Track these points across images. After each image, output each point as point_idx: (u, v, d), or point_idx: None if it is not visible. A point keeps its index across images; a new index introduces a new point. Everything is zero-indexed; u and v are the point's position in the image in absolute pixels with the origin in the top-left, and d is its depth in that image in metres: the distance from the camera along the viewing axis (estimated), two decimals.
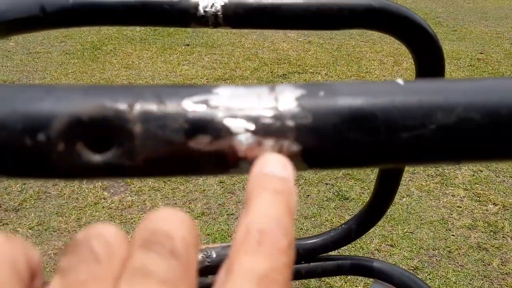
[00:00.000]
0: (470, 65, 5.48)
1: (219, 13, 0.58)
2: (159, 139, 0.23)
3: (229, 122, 0.23)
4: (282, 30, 6.95)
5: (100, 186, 2.92)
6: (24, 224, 2.54)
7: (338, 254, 1.09)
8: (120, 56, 5.53)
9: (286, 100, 0.24)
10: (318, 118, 0.24)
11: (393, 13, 0.63)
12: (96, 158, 0.22)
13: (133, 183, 2.97)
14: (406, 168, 3.12)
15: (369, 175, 3.10)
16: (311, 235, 1.00)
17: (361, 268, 0.94)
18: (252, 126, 0.23)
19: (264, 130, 0.24)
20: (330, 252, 0.95)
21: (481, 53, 5.96)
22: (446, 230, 2.58)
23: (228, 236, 2.48)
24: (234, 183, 2.99)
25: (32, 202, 2.74)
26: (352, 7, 0.60)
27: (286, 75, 5.03)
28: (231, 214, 2.67)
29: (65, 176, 0.23)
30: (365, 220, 0.92)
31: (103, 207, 2.71)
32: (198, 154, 0.23)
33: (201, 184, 2.98)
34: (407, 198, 2.86)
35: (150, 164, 0.23)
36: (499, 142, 0.24)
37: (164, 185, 2.95)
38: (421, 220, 2.66)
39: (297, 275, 0.89)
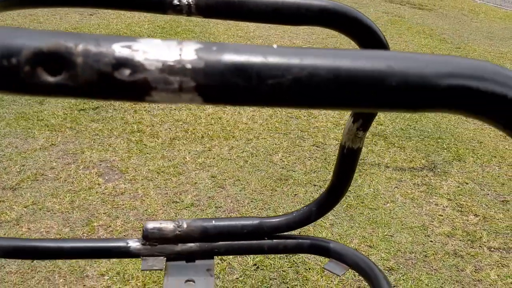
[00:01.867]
0: None
1: (192, 3, 0.69)
2: (94, 69, 0.33)
3: (145, 61, 0.33)
4: (288, 37, 7.06)
5: (96, 173, 3.03)
6: (20, 203, 2.64)
7: (299, 234, 1.18)
8: None
9: (188, 51, 0.34)
10: (209, 65, 0.34)
11: (345, 13, 0.73)
12: (51, 79, 0.33)
13: (127, 171, 3.07)
14: (394, 176, 3.21)
15: (357, 180, 3.20)
16: (275, 215, 1.09)
17: (319, 248, 1.03)
18: (161, 66, 0.33)
19: (170, 69, 0.34)
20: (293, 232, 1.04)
21: None
22: (425, 236, 2.67)
23: None
24: (225, 179, 3.09)
25: (29, 183, 2.85)
26: (308, 6, 0.71)
27: None
28: (219, 207, 2.77)
29: (28, 92, 0.33)
30: (325, 204, 1.01)
31: (97, 192, 2.82)
32: (121, 83, 0.34)
33: (193, 177, 3.08)
34: (391, 204, 2.94)
35: (87, 87, 0.33)
36: (339, 93, 0.34)
37: (157, 176, 3.06)
38: (402, 225, 2.74)
39: (260, 250, 0.98)
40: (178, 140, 3.57)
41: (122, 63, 0.34)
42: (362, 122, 0.82)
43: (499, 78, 0.31)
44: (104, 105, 4.08)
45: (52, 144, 3.35)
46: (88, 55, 0.33)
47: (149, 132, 3.66)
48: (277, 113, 4.20)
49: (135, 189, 2.88)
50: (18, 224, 2.46)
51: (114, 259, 2.26)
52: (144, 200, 2.77)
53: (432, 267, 2.41)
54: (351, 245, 2.51)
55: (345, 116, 4.27)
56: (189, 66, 0.35)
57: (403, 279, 2.30)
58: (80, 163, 3.13)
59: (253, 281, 2.21)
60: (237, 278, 2.23)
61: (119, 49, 0.34)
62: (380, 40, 0.78)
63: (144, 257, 0.94)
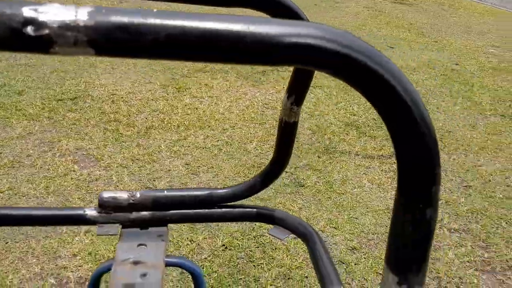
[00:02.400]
0: (443, 74, 5.71)
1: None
2: (8, 26, 0.42)
3: (47, 20, 0.42)
4: None
5: (71, 160, 3.10)
6: None
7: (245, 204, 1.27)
8: None
9: (82, 12, 0.43)
10: (98, 23, 0.43)
11: None
12: None
13: (103, 159, 3.15)
14: (363, 163, 3.33)
15: (327, 167, 3.31)
16: (224, 186, 1.17)
17: (264, 216, 1.13)
18: (60, 24, 0.43)
19: (67, 27, 0.43)
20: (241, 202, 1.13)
21: (456, 64, 6.20)
22: (389, 218, 2.78)
23: None
24: (199, 166, 3.18)
25: (6, 170, 2.91)
26: None
27: (265, 71, 5.23)
28: None
29: None
30: (268, 175, 1.10)
31: (72, 178, 2.89)
32: (28, 37, 0.43)
33: (167, 164, 3.16)
34: (358, 189, 3.06)
35: (4, 40, 0.42)
36: (205, 49, 0.43)
37: (132, 163, 3.13)
38: (367, 208, 2.86)
39: (210, 219, 1.07)
40: (154, 129, 3.65)
41: (29, 21, 0.42)
42: (295, 97, 0.91)
43: (330, 36, 0.37)
44: (82, 96, 4.14)
45: (30, 132, 3.41)
46: (3, 15, 0.42)
47: (126, 121, 3.73)
48: (253, 104, 4.29)
49: (110, 176, 2.96)
50: None
51: (72, 227, 2.34)
52: (118, 186, 2.85)
53: None
54: (317, 227, 2.62)
55: (319, 108, 4.38)
56: (82, 24, 0.43)
57: (364, 258, 2.42)
58: (56, 151, 3.20)
59: (221, 260, 2.31)
60: (206, 258, 2.33)
61: (27, 11, 0.43)
62: (298, 15, 0.86)
63: (99, 224, 1.03)
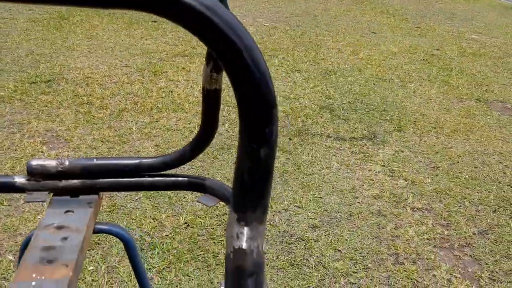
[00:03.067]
0: (424, 59, 5.73)
1: None
2: None
3: None
4: (251, 16, 7.11)
5: (40, 141, 3.10)
6: None
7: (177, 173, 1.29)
8: (86, 27, 5.67)
9: None
10: None
11: None
12: None
13: (72, 140, 3.15)
14: (333, 145, 3.35)
15: (297, 148, 3.33)
16: (154, 155, 1.19)
17: (195, 185, 1.14)
18: None
19: None
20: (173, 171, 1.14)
21: (437, 50, 6.22)
22: (353, 198, 2.82)
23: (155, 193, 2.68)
24: (169, 147, 3.19)
25: None
26: None
27: None
28: None
29: None
30: (197, 145, 1.11)
31: None
32: None
33: (137, 146, 3.17)
34: (326, 170, 3.09)
35: None
36: None
37: (102, 144, 3.14)
38: (333, 188, 2.89)
39: (141, 187, 1.08)
40: (127, 111, 3.65)
41: None
42: (213, 64, 0.92)
43: None
44: (56, 79, 4.12)
45: (0, 115, 3.40)
46: None
47: (99, 104, 3.72)
48: (229, 87, 4.29)
49: (77, 157, 2.96)
50: None
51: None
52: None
53: (355, 224, 2.57)
54: (280, 206, 2.65)
55: (295, 91, 4.39)
56: None
57: (325, 235, 2.45)
58: (26, 132, 3.19)
59: (181, 237, 2.33)
60: (167, 235, 2.35)
61: None
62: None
63: (28, 192, 1.04)
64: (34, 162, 1.02)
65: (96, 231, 1.13)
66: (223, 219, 2.49)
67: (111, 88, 4.04)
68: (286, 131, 3.58)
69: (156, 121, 3.53)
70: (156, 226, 2.40)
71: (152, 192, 2.64)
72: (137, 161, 1.09)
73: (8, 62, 4.39)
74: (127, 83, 4.19)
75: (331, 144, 3.44)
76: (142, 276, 1.27)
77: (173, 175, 1.14)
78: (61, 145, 3.09)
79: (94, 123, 3.41)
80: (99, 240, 2.26)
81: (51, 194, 1.06)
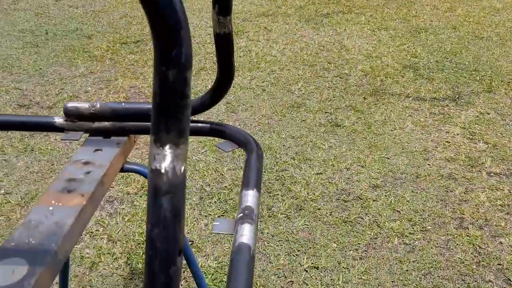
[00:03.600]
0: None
1: None
2: None
3: None
4: None
5: (124, 97, 3.34)
6: None
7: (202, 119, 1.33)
8: None
9: None
10: None
11: None
12: None
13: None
14: (411, 105, 3.19)
15: (370, 108, 3.22)
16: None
17: (217, 131, 1.19)
18: None
19: None
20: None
21: None
22: (424, 159, 2.68)
23: None
24: (239, 105, 3.26)
25: (63, 104, 3.21)
26: None
27: (329, 14, 5.08)
28: None
29: None
30: (217, 91, 1.15)
31: None
32: None
33: None
34: (399, 130, 2.96)
35: None
36: None
37: None
38: (403, 149, 2.77)
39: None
40: (204, 70, 3.77)
41: None
42: (219, 8, 0.93)
43: None
44: (144, 40, 4.36)
45: (91, 72, 3.70)
46: None
47: None
48: (309, 46, 4.23)
49: None
50: (46, 135, 2.84)
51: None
52: None
53: (420, 186, 2.45)
54: (343, 165, 2.61)
55: (379, 50, 4.20)
56: None
57: (385, 196, 2.38)
58: (112, 88, 3.45)
59: (239, 189, 2.41)
60: (226, 186, 2.44)
61: None
62: None
63: (66, 131, 1.16)
64: (70, 105, 1.12)
65: (124, 170, 1.22)
66: (282, 175, 2.52)
67: (194, 47, 4.19)
68: (362, 90, 3.46)
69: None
70: (216, 178, 2.50)
71: (215, 148, 2.74)
72: None
73: (104, 24, 4.72)
74: (209, 43, 4.30)
75: (409, 104, 3.27)
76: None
77: (195, 121, 1.18)
78: (142, 100, 3.30)
79: None
80: None
81: (87, 134, 1.16)
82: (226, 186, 2.43)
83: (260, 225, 2.16)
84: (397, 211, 2.28)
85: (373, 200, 2.34)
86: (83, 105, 1.11)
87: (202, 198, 2.34)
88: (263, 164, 0.96)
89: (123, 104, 1.12)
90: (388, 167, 2.60)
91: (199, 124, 1.17)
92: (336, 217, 2.23)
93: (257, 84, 3.54)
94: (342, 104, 3.27)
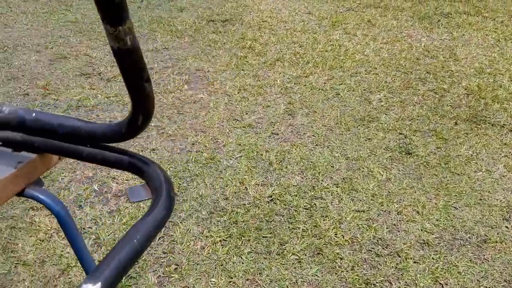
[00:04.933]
0: None
1: None
2: None
3: None
4: None
5: (185, 80, 3.14)
6: (105, 93, 2.93)
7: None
8: None
9: None
10: None
11: None
12: None
13: (213, 84, 3.10)
14: (509, 142, 2.56)
15: (458, 138, 2.62)
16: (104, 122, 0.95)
17: (135, 168, 0.90)
18: None
19: None
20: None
21: None
22: (503, 219, 2.08)
23: None
24: (302, 107, 2.87)
25: (120, 78, 3.10)
26: None
27: (451, 14, 4.35)
28: (275, 134, 2.61)
29: None
30: (129, 126, 0.85)
31: (173, 96, 2.93)
32: None
33: (269, 100, 2.94)
34: (484, 174, 2.35)
35: None
36: None
37: (237, 93, 3.01)
38: (480, 200, 2.18)
39: (78, 156, 0.88)
40: (280, 62, 3.41)
41: None
42: (104, 13, 0.64)
43: None
44: (233, 19, 4.11)
45: (165, 48, 3.56)
46: None
47: (259, 50, 3.57)
48: (411, 49, 3.64)
49: (208, 101, 2.90)
50: (91, 110, 2.74)
51: None
52: (209, 112, 2.78)
53: (484, 256, 1.89)
54: (394, 206, 2.13)
55: (495, 65, 3.47)
56: None
57: (432, 258, 1.86)
58: (177, 69, 3.27)
59: (258, 211, 2.07)
60: (244, 204, 2.12)
61: None
62: None
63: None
64: None
65: (24, 195, 0.97)
66: (314, 204, 2.12)
67: (279, 34, 3.84)
68: (456, 113, 2.85)
69: (305, 76, 3.21)
70: (238, 192, 2.18)
71: (253, 154, 2.42)
72: (78, 124, 0.88)
73: (191, 2, 4.56)
74: (299, 31, 3.92)
75: (510, 141, 2.61)
76: (81, 251, 1.08)
77: (116, 150, 0.90)
78: (201, 87, 3.07)
79: (242, 69, 3.29)
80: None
81: None
82: (244, 204, 2.11)
83: (262, 262, 1.82)
84: (440, 283, 1.77)
85: (414, 262, 1.85)
86: None
87: (212, 213, 2.05)
88: (164, 224, 0.68)
89: (34, 114, 0.87)
90: (451, 221, 2.06)
91: (118, 155, 0.88)
92: (358, 275, 1.79)
93: (332, 86, 3.10)
94: (425, 126, 2.71)
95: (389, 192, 2.21)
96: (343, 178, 2.28)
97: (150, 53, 3.46)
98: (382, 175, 2.31)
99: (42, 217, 1.99)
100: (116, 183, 2.21)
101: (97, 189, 2.17)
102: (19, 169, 0.90)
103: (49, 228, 1.94)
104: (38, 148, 0.86)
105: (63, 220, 1.01)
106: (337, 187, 2.23)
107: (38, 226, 1.95)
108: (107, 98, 2.87)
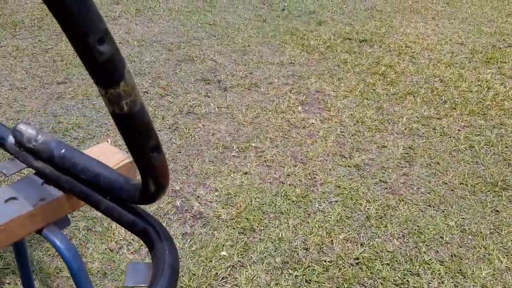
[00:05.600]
0: None
1: None
2: None
3: None
4: None
5: (301, 100, 2.94)
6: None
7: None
8: None
9: None
10: None
11: None
12: None
13: (330, 110, 2.86)
14: None
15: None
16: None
17: (147, 239, 0.77)
18: None
19: None
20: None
21: None
22: None
23: None
24: (421, 156, 2.48)
25: (243, 90, 3.02)
26: None
27: None
28: None
29: None
30: (142, 194, 0.74)
31: (283, 117, 2.75)
32: None
33: (375, 141, 2.60)
34: None
35: None
36: None
37: (351, 125, 2.72)
38: None
39: (95, 205, 0.79)
40: (413, 96, 3.03)
41: None
42: (93, 73, 0.53)
43: None
44: (373, 40, 3.80)
45: (291, 62, 3.40)
46: None
47: (392, 78, 3.23)
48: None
49: (318, 128, 2.67)
50: (199, 119, 2.69)
51: None
52: (315, 141, 2.55)
53: None
54: None
55: None
56: None
57: None
58: (296, 87, 3.09)
59: None
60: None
61: None
62: None
63: (11, 156, 0.91)
64: (20, 126, 0.84)
65: (42, 234, 0.90)
66: (408, 280, 1.78)
67: (420, 64, 3.44)
68: None
69: (438, 118, 2.80)
70: (321, 244, 1.92)
71: (351, 201, 2.14)
72: (102, 172, 0.79)
73: (343, 12, 4.31)
74: (444, 63, 3.47)
75: None
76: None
77: (135, 211, 0.80)
78: (315, 111, 2.85)
79: (366, 98, 2.98)
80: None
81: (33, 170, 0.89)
82: (324, 261, 1.85)
83: None
84: None
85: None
86: (30, 132, 0.81)
87: (286, 264, 1.83)
88: None
89: (63, 150, 0.79)
90: None
91: (134, 216, 0.78)
92: None
93: (467, 136, 2.65)
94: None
95: (505, 286, 1.77)
96: (452, 255, 1.89)
97: (274, 66, 3.33)
98: (502, 262, 1.87)
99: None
100: (199, 203, 2.11)
101: (179, 205, 2.09)
102: (37, 208, 0.79)
103: (121, 238, 1.91)
104: (63, 187, 0.79)
105: (74, 273, 0.89)
106: (441, 265, 1.85)
107: (113, 234, 1.92)
108: (218, 108, 2.81)
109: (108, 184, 0.74)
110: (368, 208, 2.10)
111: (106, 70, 0.44)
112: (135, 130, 0.52)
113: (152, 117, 2.66)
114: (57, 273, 1.76)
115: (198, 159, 2.37)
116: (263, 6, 4.43)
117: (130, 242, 1.89)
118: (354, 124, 2.71)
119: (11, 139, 0.87)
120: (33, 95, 2.82)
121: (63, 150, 0.78)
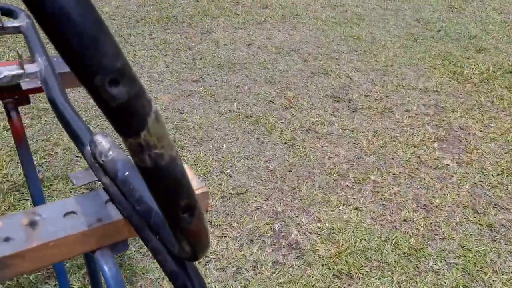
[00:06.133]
0: None
1: None
2: None
3: None
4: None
5: (439, 138, 2.60)
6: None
7: None
8: None
9: None
10: None
11: None
12: None
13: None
14: None
15: None
16: None
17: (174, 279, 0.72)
18: None
19: None
20: None
21: None
22: None
23: None
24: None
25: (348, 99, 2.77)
26: None
27: None
28: None
29: None
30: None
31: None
32: None
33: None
34: None
35: None
36: None
37: (425, 175, 2.31)
38: None
39: (146, 242, 0.74)
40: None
41: None
42: (112, 120, 0.48)
43: None
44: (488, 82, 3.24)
45: (436, 91, 3.04)
46: None
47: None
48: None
49: (453, 172, 2.31)
50: (319, 138, 2.52)
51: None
52: (446, 187, 2.21)
53: None
54: None
55: None
56: None
57: None
58: (436, 119, 2.74)
59: None
60: None
61: None
62: None
63: (86, 167, 0.92)
64: (96, 137, 0.82)
65: (95, 254, 0.87)
66: None
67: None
68: None
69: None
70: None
71: (474, 268, 1.78)
72: (153, 209, 0.75)
73: (495, 44, 3.77)
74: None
75: None
76: None
77: (183, 266, 0.74)
78: (454, 151, 2.48)
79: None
80: None
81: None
82: None
83: None
84: None
85: None
86: (104, 146, 0.77)
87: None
88: None
89: (127, 173, 0.76)
90: None
91: (176, 267, 0.72)
92: None
93: None
94: None
95: None
96: None
97: (416, 92, 3.01)
98: None
99: None
100: (298, 231, 1.94)
101: (276, 229, 1.95)
102: (91, 229, 0.73)
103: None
104: (122, 211, 0.74)
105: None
106: None
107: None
108: (342, 130, 2.60)
109: (157, 224, 0.66)
110: (493, 280, 1.74)
111: (121, 117, 0.37)
112: (161, 187, 0.45)
113: (270, 129, 2.56)
114: (143, 274, 1.74)
115: (307, 182, 2.20)
116: (417, 24, 4.07)
117: None
118: (498, 175, 2.30)
119: (88, 149, 0.83)
120: (167, 90, 2.92)
121: (127, 173, 0.72)
